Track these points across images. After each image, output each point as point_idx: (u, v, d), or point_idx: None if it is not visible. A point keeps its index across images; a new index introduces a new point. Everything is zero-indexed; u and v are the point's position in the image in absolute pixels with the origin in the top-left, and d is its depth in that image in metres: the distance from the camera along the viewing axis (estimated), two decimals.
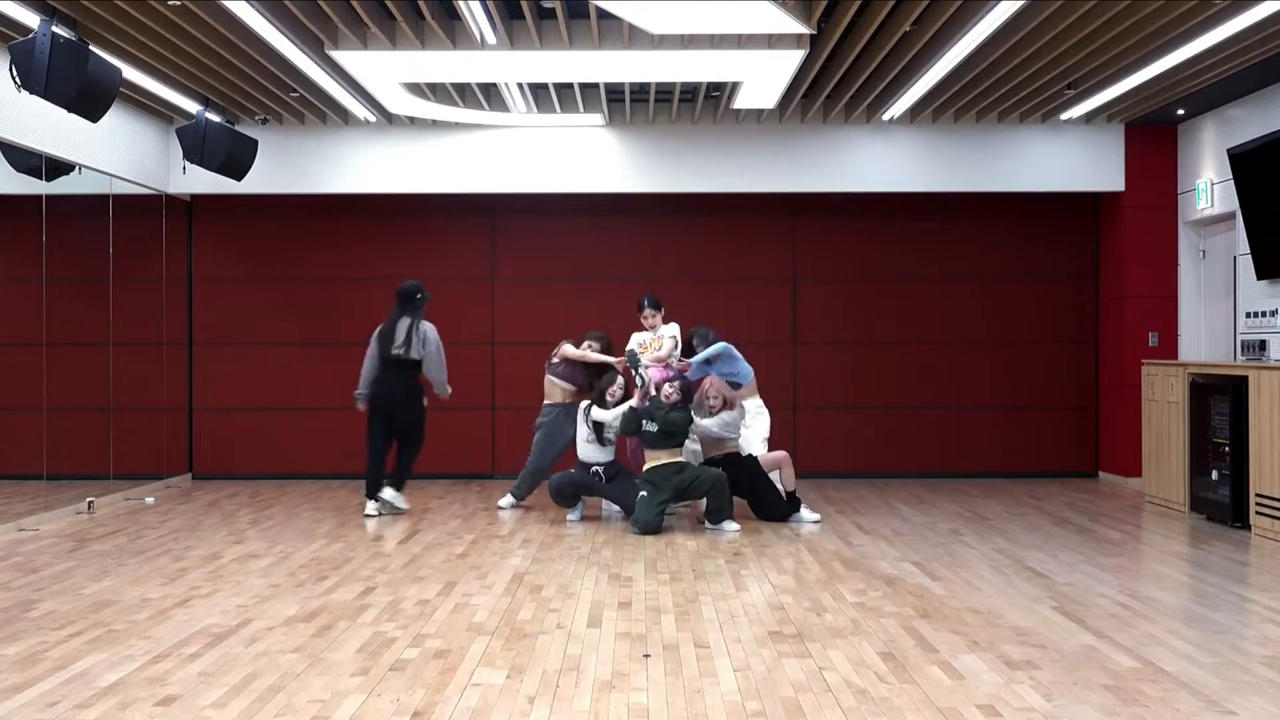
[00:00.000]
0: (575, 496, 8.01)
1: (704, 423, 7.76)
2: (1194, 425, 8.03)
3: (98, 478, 8.77)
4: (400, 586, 5.79)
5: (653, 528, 7.42)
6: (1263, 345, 8.23)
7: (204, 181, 9.48)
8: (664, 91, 9.27)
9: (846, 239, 10.48)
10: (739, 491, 7.86)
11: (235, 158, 8.82)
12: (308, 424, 10.39)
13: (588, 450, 8.01)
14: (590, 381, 8.31)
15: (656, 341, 8.28)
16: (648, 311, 8.32)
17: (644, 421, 7.62)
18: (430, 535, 7.39)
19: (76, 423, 8.85)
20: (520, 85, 8.54)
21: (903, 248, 10.47)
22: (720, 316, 9.17)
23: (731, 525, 7.54)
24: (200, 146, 8.49)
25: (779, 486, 7.94)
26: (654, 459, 7.62)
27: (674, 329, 8.35)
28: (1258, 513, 7.28)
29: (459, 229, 10.46)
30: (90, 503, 8.38)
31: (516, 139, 9.81)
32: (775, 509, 7.89)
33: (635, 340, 8.31)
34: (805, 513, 7.92)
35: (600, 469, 8.00)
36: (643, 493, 7.54)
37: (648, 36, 7.15)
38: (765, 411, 8.23)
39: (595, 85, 8.88)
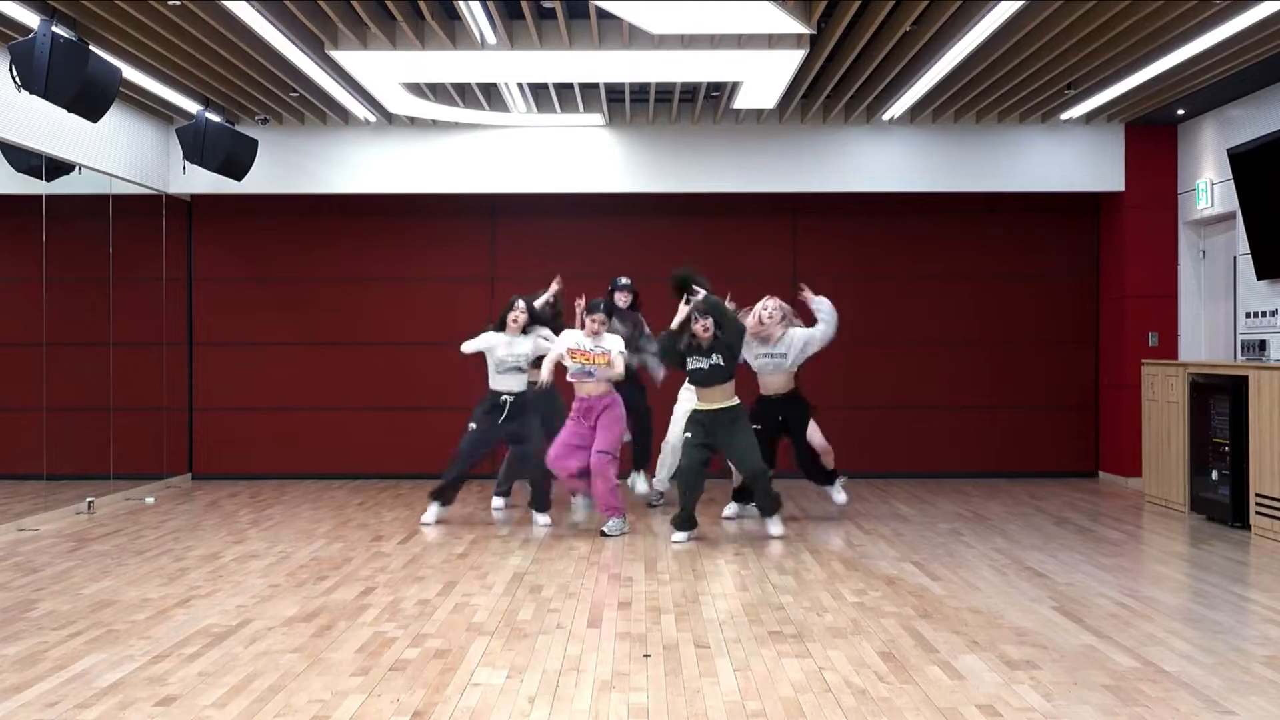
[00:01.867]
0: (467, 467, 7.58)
1: (815, 331, 7.61)
2: (1194, 425, 8.02)
3: (98, 478, 8.77)
4: (400, 586, 5.79)
5: (692, 478, 6.99)
6: (1263, 345, 8.23)
7: (204, 181, 9.47)
8: (664, 91, 9.27)
9: (846, 239, 10.47)
10: (788, 431, 7.69)
11: (235, 158, 8.82)
12: (307, 424, 10.39)
13: (501, 379, 7.56)
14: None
15: (601, 358, 7.19)
16: (599, 315, 7.26)
17: (690, 359, 7.02)
18: (430, 535, 7.39)
19: (76, 423, 8.85)
20: (520, 85, 8.54)
21: (903, 248, 10.46)
22: None
23: (776, 526, 7.17)
24: (200, 146, 8.48)
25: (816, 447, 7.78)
26: (706, 399, 7.06)
27: (619, 343, 7.36)
28: (1258, 513, 7.28)
29: (459, 229, 10.46)
30: (90, 503, 8.37)
31: (516, 139, 9.80)
32: (815, 466, 7.78)
33: (565, 342, 7.32)
34: (837, 492, 7.88)
35: (510, 398, 7.53)
36: (688, 434, 7.09)
37: (648, 36, 7.15)
38: None
39: (595, 85, 8.88)
